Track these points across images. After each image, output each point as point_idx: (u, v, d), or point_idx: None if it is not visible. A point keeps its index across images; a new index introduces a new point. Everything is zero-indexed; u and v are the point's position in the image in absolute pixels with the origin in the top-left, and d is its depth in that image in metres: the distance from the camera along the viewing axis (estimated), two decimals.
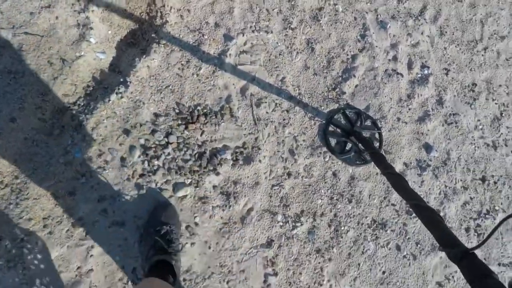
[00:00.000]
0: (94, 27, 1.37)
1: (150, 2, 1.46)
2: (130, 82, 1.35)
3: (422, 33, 1.97)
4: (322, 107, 1.62)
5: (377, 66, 1.78)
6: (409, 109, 1.80)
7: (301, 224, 1.45)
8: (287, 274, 1.39)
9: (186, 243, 1.27)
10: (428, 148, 1.80)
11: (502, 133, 2.07)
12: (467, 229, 1.79)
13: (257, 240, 1.38)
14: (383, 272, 1.54)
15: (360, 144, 1.54)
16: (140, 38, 1.47)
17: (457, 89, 1.97)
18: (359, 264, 1.51)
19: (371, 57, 1.78)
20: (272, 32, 1.61)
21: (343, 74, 1.70)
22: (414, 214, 1.66)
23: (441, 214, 1.76)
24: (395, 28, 1.89)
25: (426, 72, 1.91)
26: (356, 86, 1.72)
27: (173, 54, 1.43)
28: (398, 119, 1.76)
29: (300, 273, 1.41)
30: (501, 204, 1.92)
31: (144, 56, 1.39)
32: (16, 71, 1.25)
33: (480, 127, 2.00)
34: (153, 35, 1.44)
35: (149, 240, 1.18)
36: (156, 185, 1.28)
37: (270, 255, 1.38)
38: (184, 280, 1.24)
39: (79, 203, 1.20)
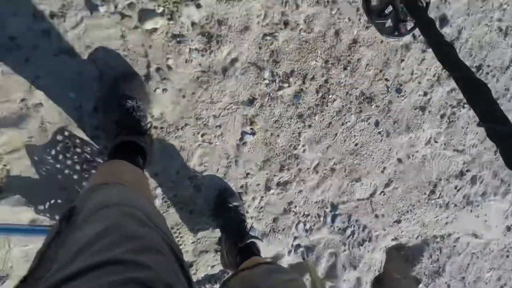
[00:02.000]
0: None
1: None
2: None
3: None
4: None
5: None
6: None
7: (289, 86, 1.35)
8: (265, 135, 1.39)
9: (157, 88, 1.13)
10: (444, 21, 1.61)
11: None
12: (442, 116, 1.86)
13: (239, 96, 1.28)
14: (356, 144, 1.63)
15: (405, 9, 1.31)
16: None
17: None
18: (335, 134, 1.55)
19: None
20: None
21: None
22: (403, 93, 1.65)
23: (427, 97, 1.77)
24: None
25: None
26: None
27: None
28: None
29: (278, 135, 1.42)
30: None
31: None
32: None
33: (504, 6, 1.81)
34: None
35: (110, 115, 1.01)
36: (115, 8, 1.00)
37: (250, 113, 1.32)
38: (155, 127, 1.17)
39: (8, 17, 0.92)
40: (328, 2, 1.30)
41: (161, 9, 1.05)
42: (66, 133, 1.05)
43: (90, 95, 1.05)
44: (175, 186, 1.25)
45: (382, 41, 1.49)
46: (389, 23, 1.45)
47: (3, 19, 0.91)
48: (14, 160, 1.01)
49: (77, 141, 1.08)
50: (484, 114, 0.68)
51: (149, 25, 1.04)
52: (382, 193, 1.81)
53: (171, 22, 1.08)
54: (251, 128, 1.34)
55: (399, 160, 1.79)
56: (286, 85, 1.34)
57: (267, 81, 1.30)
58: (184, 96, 1.18)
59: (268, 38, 1.25)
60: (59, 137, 1.05)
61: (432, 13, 1.56)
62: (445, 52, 0.95)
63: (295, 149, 1.48)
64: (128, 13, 1.02)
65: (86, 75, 1.03)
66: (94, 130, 1.09)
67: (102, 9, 0.98)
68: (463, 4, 1.64)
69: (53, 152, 1.05)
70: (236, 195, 1.31)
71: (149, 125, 1.08)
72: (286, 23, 1.26)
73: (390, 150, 1.74)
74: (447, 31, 1.65)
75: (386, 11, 1.41)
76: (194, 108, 1.21)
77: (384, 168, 1.76)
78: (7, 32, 0.92)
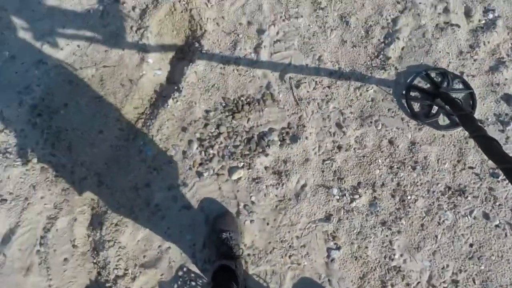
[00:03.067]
0: (150, 50, 1.78)
1: (190, 19, 1.81)
2: (182, 87, 1.68)
3: None
4: (367, 76, 1.68)
5: (425, 23, 1.77)
6: (475, 60, 1.71)
7: (360, 196, 1.50)
8: (352, 248, 1.44)
9: (246, 220, 1.47)
10: (509, 99, 1.65)
11: None
12: None
13: (315, 215, 1.49)
14: (471, 245, 1.45)
15: (447, 106, 1.55)
16: (187, 51, 1.83)
17: None
18: (436, 236, 1.46)
19: (416, 16, 1.78)
20: (302, 17, 1.79)
21: (385, 39, 1.74)
22: (502, 177, 1.53)
23: None
24: None
25: (491, 16, 1.79)
26: (403, 48, 1.73)
27: (214, 57, 1.73)
28: (462, 73, 1.68)
29: (366, 247, 1.45)
30: None
31: (190, 64, 1.72)
32: (100, 95, 1.71)
33: None
34: (196, 45, 1.77)
35: (212, 247, 1.40)
36: (213, 171, 1.54)
37: (330, 229, 1.47)
38: (249, 255, 1.43)
39: (154, 192, 1.53)
40: (371, 122, 1.61)
41: (241, 164, 1.54)
42: (185, 269, 1.41)
43: (200, 235, 1.46)
44: None
45: (443, 135, 1.59)
46: (441, 119, 1.61)
47: (150, 197, 1.52)
48: None
49: (192, 275, 1.41)
50: None
51: (235, 176, 1.52)
52: None
53: (250, 170, 1.54)
54: (335, 243, 1.44)
55: None
56: (357, 196, 1.50)
57: (337, 197, 1.51)
58: (268, 224, 1.47)
59: (327, 162, 1.55)
60: (180, 273, 1.41)
61: (490, 98, 1.65)
62: (487, 144, 1.06)
63: (392, 260, 1.43)
64: (221, 172, 1.54)
65: (197, 220, 1.48)
66: (203, 264, 1.42)
67: (205, 174, 1.53)
68: None
69: (175, 286, 1.39)
70: None
71: (241, 251, 1.36)
72: (339, 147, 1.58)
73: None
74: None
75: (433, 111, 1.61)
76: (278, 233, 1.46)
77: None
78: (154, 202, 1.52)
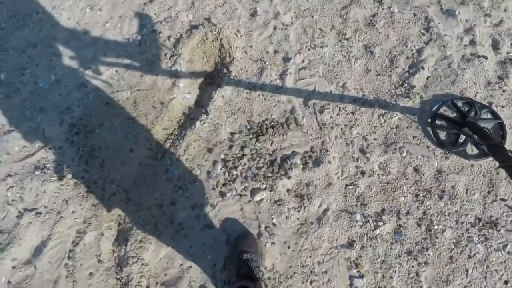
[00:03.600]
0: (181, 76, 1.93)
1: (220, 47, 1.97)
2: (210, 110, 1.80)
3: (505, 10, 1.93)
4: (391, 104, 1.73)
5: (450, 54, 1.82)
6: (504, 91, 1.72)
7: (384, 224, 1.50)
8: (376, 278, 1.42)
9: (267, 242, 1.50)
10: None
11: None
12: None
13: (337, 240, 1.49)
14: (505, 282, 1.39)
15: (475, 135, 1.56)
16: (215, 76, 1.97)
17: None
18: (467, 270, 1.42)
19: (441, 47, 1.84)
20: (327, 46, 1.89)
21: (410, 69, 1.80)
22: None
23: None
24: (467, 12, 1.93)
25: None
26: (428, 77, 1.78)
27: (241, 82, 1.85)
28: (490, 103, 1.70)
29: (391, 277, 1.42)
30: None
31: (218, 88, 1.85)
32: (133, 116, 1.85)
33: None
34: (224, 71, 1.91)
35: (232, 267, 1.44)
36: (236, 191, 1.60)
37: (353, 256, 1.46)
38: (269, 278, 1.44)
39: (178, 211, 1.61)
40: (395, 149, 1.64)
41: (264, 185, 1.60)
42: None
43: (221, 255, 1.49)
44: None
45: (472, 165, 1.58)
46: (469, 148, 1.61)
47: (175, 215, 1.59)
48: None
49: None
50: None
51: (257, 197, 1.57)
52: None
53: (272, 192, 1.58)
54: (358, 271, 1.43)
55: None
56: (381, 223, 1.50)
57: (360, 223, 1.51)
58: (289, 247, 1.49)
59: (350, 187, 1.58)
60: None
61: (509, 134, 1.64)
62: None
63: None
64: (244, 193, 1.60)
65: (218, 240, 1.52)
66: (223, 285, 1.44)
67: (228, 194, 1.60)
68: None
69: None
70: None
71: (261, 273, 1.38)
72: (362, 173, 1.60)
73: None
74: None
75: (460, 140, 1.62)
76: (299, 257, 1.47)
77: None
78: (178, 220, 1.58)
